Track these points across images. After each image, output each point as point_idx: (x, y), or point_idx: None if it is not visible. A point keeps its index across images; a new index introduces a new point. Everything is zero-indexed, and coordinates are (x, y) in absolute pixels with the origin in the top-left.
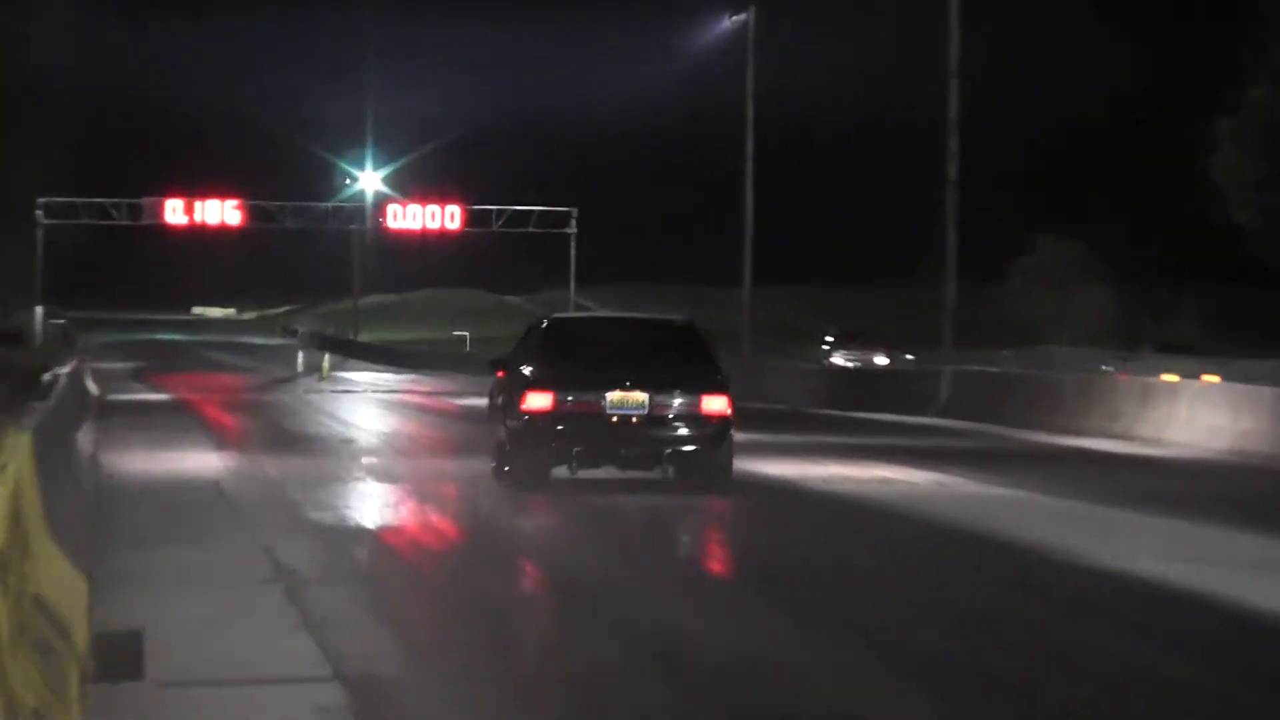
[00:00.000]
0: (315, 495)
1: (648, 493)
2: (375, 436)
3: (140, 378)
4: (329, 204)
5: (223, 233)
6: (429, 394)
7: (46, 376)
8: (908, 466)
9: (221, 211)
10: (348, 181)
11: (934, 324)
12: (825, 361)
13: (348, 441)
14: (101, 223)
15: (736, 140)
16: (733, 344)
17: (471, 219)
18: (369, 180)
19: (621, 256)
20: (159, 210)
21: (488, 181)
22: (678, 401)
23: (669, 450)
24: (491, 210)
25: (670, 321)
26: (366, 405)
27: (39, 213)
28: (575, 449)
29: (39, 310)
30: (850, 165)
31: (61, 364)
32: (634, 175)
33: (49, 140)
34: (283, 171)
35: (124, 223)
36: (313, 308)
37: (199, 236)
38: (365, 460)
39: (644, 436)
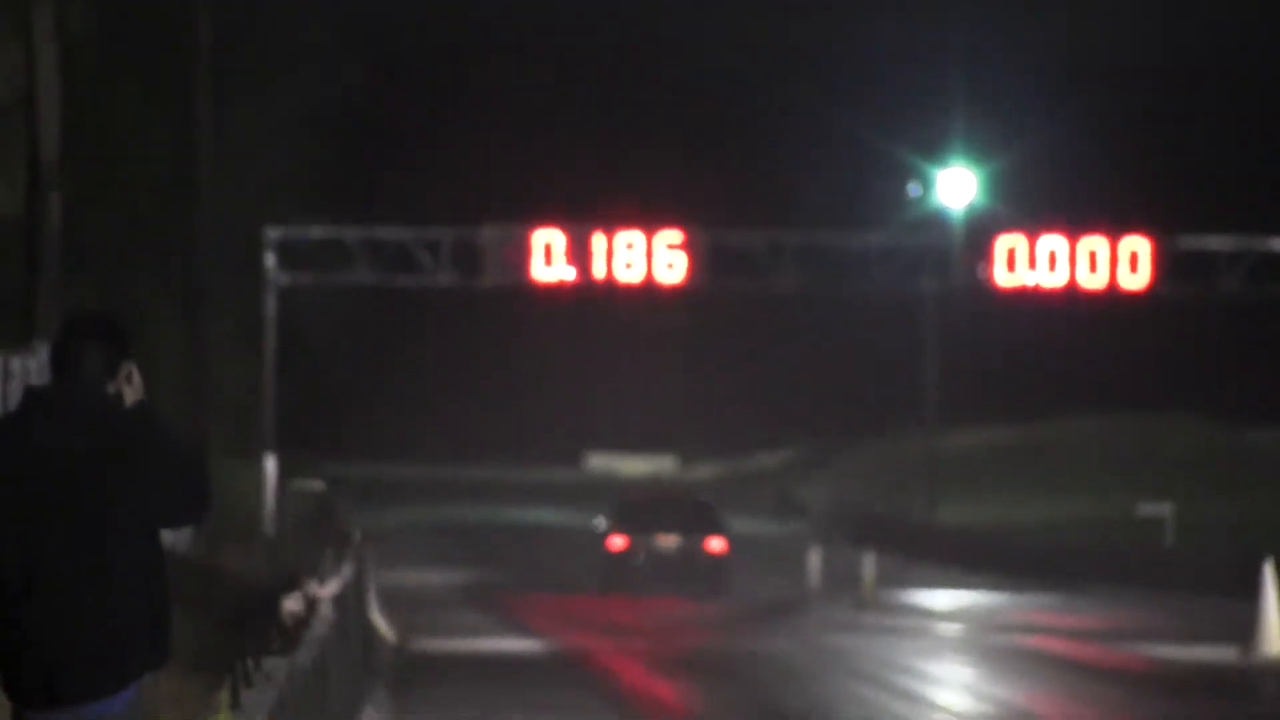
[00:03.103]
0: None
1: None
2: None
3: (479, 601)
4: (867, 238)
5: (648, 298)
6: (1086, 636)
7: (289, 603)
8: None
9: (648, 256)
10: (911, 192)
11: None
12: None
13: None
14: (393, 283)
15: None
16: None
17: (1170, 267)
18: (954, 188)
19: None
20: (519, 254)
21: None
22: (695, 541)
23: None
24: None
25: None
26: (957, 659)
27: (269, 259)
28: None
29: (270, 464)
30: None
31: (321, 574)
32: None
33: (282, 124)
34: (754, 189)
35: (439, 281)
36: (836, 452)
37: (600, 307)
38: None
39: (680, 564)
